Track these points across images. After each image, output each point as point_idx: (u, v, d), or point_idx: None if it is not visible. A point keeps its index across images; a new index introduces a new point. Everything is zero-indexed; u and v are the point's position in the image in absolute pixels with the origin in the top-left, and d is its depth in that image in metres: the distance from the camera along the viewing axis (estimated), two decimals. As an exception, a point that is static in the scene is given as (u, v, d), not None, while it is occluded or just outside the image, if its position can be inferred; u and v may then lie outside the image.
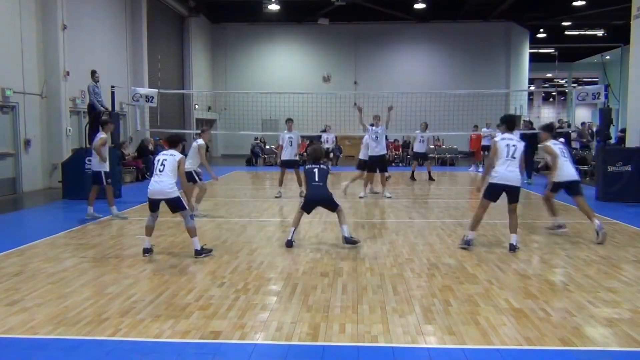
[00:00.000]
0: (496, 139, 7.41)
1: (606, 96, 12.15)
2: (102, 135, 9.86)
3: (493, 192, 7.22)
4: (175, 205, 6.92)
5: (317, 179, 7.61)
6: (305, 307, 4.93)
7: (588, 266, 6.41)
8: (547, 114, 48.19)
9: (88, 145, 13.16)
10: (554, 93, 52.10)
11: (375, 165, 12.38)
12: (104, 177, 9.76)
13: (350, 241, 7.42)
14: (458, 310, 4.86)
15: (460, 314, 4.74)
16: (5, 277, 5.89)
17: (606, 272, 6.17)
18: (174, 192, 6.87)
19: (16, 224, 9.88)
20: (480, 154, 21.41)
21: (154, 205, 7.02)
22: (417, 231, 8.68)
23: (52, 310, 4.82)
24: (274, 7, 25.29)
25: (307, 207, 7.69)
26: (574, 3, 25.36)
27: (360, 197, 12.35)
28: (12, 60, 13.36)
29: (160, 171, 6.89)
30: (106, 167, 9.84)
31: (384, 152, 12.69)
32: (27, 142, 13.80)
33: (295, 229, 7.64)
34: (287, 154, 12.85)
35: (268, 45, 30.50)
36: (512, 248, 7.17)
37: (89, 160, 12.30)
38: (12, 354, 3.98)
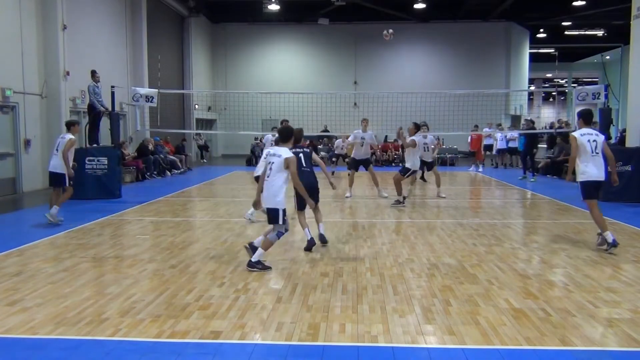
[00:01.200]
0: (575, 134, 7.15)
1: (606, 96, 12.16)
2: (70, 136, 9.29)
3: (589, 189, 7.12)
4: (273, 216, 6.17)
5: (304, 164, 7.28)
6: (305, 307, 4.93)
7: (588, 266, 6.41)
8: (547, 114, 48.25)
9: (88, 145, 13.20)
10: (554, 93, 52.15)
11: (357, 165, 12.66)
12: (66, 180, 9.24)
13: (324, 240, 7.43)
14: (458, 310, 4.86)
15: (460, 314, 4.74)
16: (5, 277, 5.89)
17: (606, 272, 6.17)
18: (279, 203, 6.12)
19: (16, 223, 9.88)
20: (481, 154, 21.40)
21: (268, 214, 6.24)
22: (417, 231, 8.68)
23: (52, 310, 4.82)
24: (274, 7, 25.29)
25: (300, 202, 7.24)
26: (574, 3, 25.35)
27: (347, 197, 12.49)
28: (12, 60, 13.36)
29: (267, 176, 6.16)
30: (69, 169, 9.30)
31: (367, 156, 12.79)
32: (27, 142, 13.80)
33: (308, 229, 7.29)
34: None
35: (268, 45, 30.50)
36: (613, 243, 6.94)
37: (89, 160, 12.41)
38: (12, 354, 3.98)
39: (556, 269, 6.39)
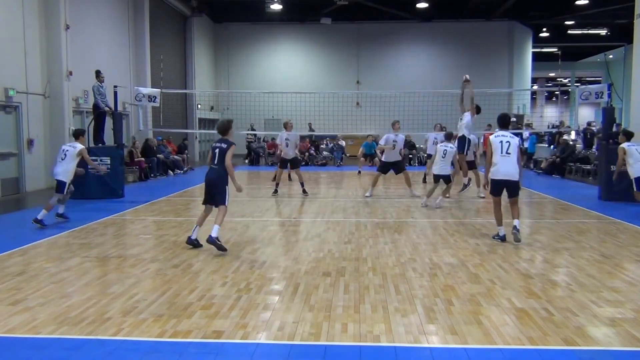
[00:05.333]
0: (490, 136, 7.78)
1: (609, 95, 12.10)
2: (80, 147, 9.39)
3: (496, 186, 7.67)
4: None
5: (215, 161, 7.12)
6: (308, 306, 4.93)
7: (591, 266, 6.39)
8: (550, 114, 48.15)
9: (92, 145, 13.21)
10: (557, 92, 52.02)
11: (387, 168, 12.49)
12: (65, 189, 9.29)
13: (213, 242, 6.92)
14: (460, 309, 4.85)
15: (463, 314, 4.73)
16: (8, 277, 5.91)
17: (609, 271, 6.15)
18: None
19: (19, 223, 9.89)
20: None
21: None
22: (419, 231, 8.67)
23: (54, 310, 4.82)
24: (276, 6, 25.29)
25: (205, 194, 7.28)
26: (577, 2, 25.30)
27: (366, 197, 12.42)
28: (15, 60, 13.39)
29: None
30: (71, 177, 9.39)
31: (399, 159, 12.66)
32: (30, 142, 13.83)
33: (197, 227, 7.34)
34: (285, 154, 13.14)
35: (270, 45, 30.52)
36: (515, 229, 7.49)
37: (93, 160, 12.39)
38: (15, 353, 3.99)
39: (559, 268, 6.38)
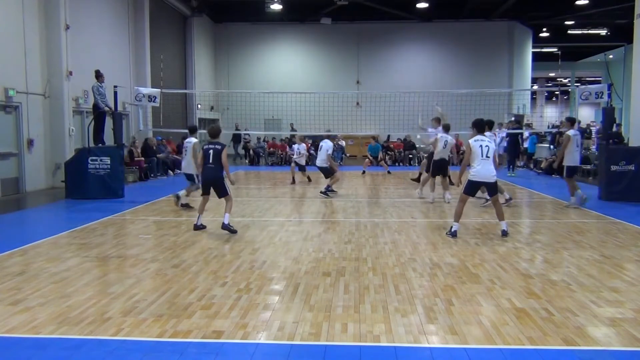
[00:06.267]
0: (470, 141, 8.14)
1: (609, 95, 12.11)
2: (194, 140, 10.63)
3: (472, 188, 8.14)
4: None
5: (210, 161, 8.22)
6: (308, 306, 4.93)
7: (591, 265, 6.39)
8: (550, 114, 48.14)
9: (92, 145, 13.22)
10: (557, 92, 52.01)
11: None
12: (195, 178, 10.55)
13: (227, 228, 8.20)
14: (460, 309, 4.85)
15: (463, 314, 4.73)
16: (8, 277, 5.91)
17: (609, 271, 6.15)
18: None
19: (19, 223, 9.91)
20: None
21: None
22: (419, 230, 8.67)
23: (54, 310, 4.83)
24: (276, 6, 25.27)
25: (204, 188, 8.49)
26: (577, 2, 25.27)
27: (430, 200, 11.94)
28: (15, 60, 13.39)
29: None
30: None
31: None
32: (30, 142, 13.83)
33: (200, 215, 8.59)
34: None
35: (270, 45, 30.50)
36: (504, 234, 7.98)
37: (92, 160, 12.42)
38: (15, 353, 3.99)
39: (559, 268, 6.38)
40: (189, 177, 10.78)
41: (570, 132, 10.88)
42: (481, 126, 8.41)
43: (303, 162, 16.16)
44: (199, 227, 8.53)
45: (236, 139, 25.92)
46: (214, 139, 8.49)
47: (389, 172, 19.25)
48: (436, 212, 10.56)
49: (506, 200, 11.30)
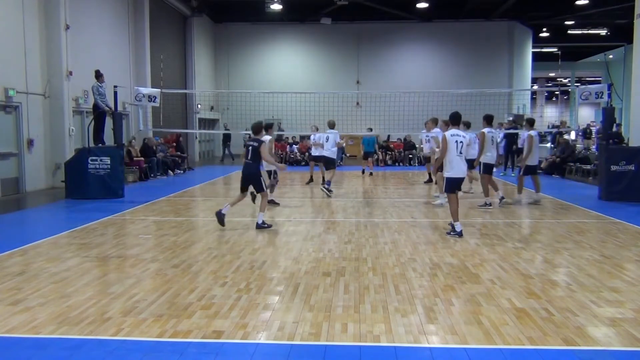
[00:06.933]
0: (446, 134, 8.11)
1: (609, 95, 12.10)
2: (269, 137, 10.55)
3: (453, 184, 8.14)
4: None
5: (249, 157, 8.54)
6: (308, 306, 4.93)
7: (591, 265, 6.39)
8: (550, 114, 48.15)
9: (92, 145, 13.22)
10: (557, 92, 52.02)
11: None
12: (274, 175, 11.05)
13: (261, 227, 8.52)
14: (460, 309, 4.85)
15: (463, 314, 4.73)
16: (8, 277, 5.91)
17: (609, 271, 6.15)
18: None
19: (19, 223, 9.91)
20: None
21: None
22: (419, 230, 8.67)
23: (54, 310, 4.83)
24: (276, 6, 25.27)
25: (242, 184, 8.68)
26: (577, 2, 25.28)
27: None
28: (15, 60, 13.39)
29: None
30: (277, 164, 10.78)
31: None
32: (30, 142, 13.83)
33: (228, 205, 8.72)
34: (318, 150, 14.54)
35: (270, 45, 30.50)
36: (459, 234, 8.03)
37: (92, 160, 12.42)
38: (15, 353, 3.99)
39: (559, 268, 6.38)
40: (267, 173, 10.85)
41: (532, 133, 11.25)
42: (455, 120, 8.32)
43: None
44: (219, 216, 8.55)
45: (226, 139, 26.10)
46: (255, 135, 8.77)
47: (370, 174, 18.36)
48: (436, 213, 10.55)
49: (500, 200, 11.35)
